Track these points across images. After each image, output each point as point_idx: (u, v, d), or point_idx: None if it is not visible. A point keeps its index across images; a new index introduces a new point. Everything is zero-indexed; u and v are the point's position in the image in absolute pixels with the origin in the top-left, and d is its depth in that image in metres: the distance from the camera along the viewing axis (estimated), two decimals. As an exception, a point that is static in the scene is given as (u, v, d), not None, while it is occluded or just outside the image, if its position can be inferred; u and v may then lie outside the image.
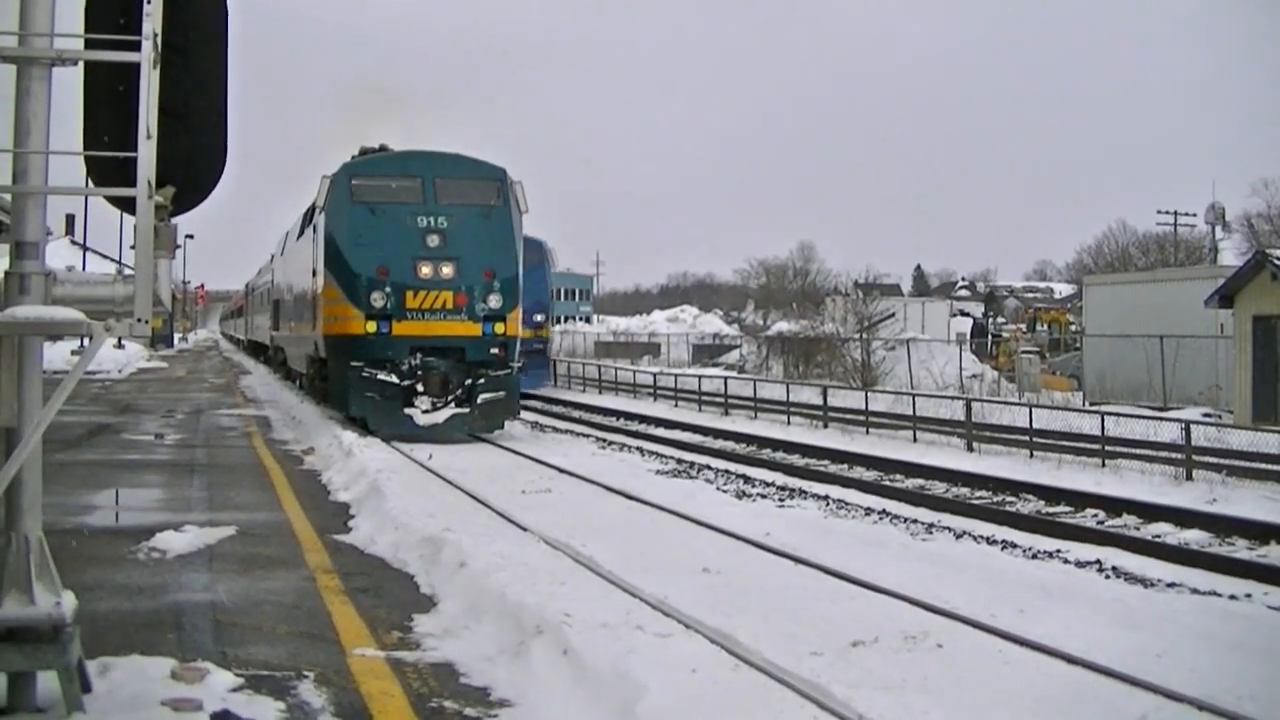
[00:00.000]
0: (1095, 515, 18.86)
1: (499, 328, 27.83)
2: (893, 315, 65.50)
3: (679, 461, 25.72)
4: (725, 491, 21.07)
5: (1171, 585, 13.84)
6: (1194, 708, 8.62)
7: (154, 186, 7.05)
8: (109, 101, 7.36)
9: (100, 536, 14.92)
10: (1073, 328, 67.55)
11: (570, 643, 9.12)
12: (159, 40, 6.99)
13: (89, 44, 7.27)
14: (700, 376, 48.34)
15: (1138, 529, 17.75)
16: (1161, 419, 28.12)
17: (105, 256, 76.16)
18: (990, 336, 70.97)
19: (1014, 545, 16.29)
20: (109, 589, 11.72)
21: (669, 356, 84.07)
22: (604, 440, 30.65)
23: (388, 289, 27.35)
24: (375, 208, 28.22)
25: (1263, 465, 22.20)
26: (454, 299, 27.52)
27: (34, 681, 7.48)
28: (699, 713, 7.85)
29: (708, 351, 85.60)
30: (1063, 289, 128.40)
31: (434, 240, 27.63)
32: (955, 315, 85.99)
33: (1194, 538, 17.02)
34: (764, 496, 20.53)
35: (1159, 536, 17.06)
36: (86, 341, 7.08)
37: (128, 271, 7.34)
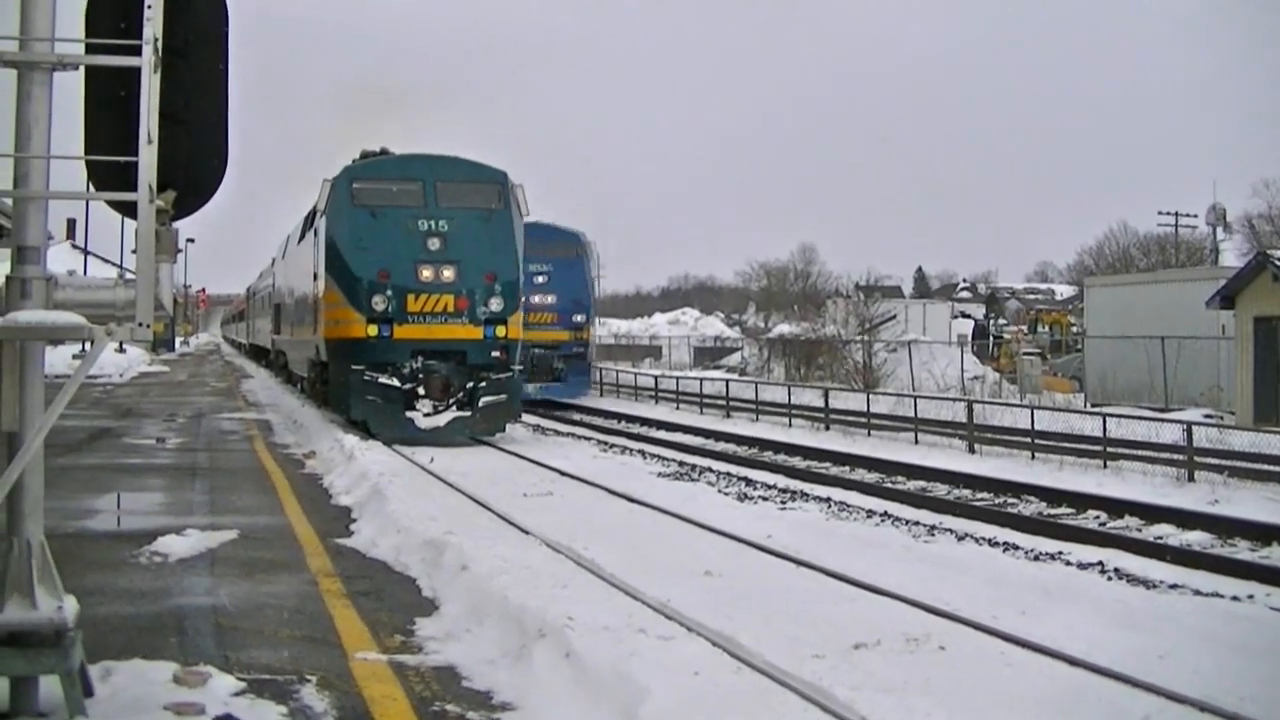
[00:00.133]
0: (1097, 517, 18.85)
1: (500, 331, 27.83)
2: (894, 317, 65.54)
3: (680, 464, 25.72)
4: (727, 494, 21.07)
5: (1174, 587, 13.83)
6: (1196, 709, 8.62)
7: (155, 191, 7.06)
8: (110, 106, 7.37)
9: (102, 541, 14.93)
10: (1074, 329, 67.55)
11: (572, 646, 9.12)
12: (159, 44, 7.00)
13: (90, 48, 7.28)
14: (702, 379, 48.40)
15: (1139, 530, 17.75)
16: (1163, 420, 28.12)
17: (107, 261, 76.19)
18: (991, 338, 70.94)
19: (1016, 547, 16.29)
20: (111, 593, 11.73)
21: (670, 359, 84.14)
22: (605, 443, 30.66)
23: (389, 292, 27.35)
24: (376, 211, 28.24)
25: (1264, 466, 22.20)
26: (455, 302, 27.52)
27: (36, 686, 7.48)
28: (701, 715, 7.85)
29: (709, 354, 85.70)
30: (1064, 290, 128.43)
31: (435, 243, 27.65)
32: (956, 317, 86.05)
33: (1196, 539, 17.02)
34: (765, 499, 20.53)
35: (1161, 538, 17.06)
36: (88, 346, 7.09)
37: (129, 276, 7.35)
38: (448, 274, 27.53)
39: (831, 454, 27.10)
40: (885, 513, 19.04)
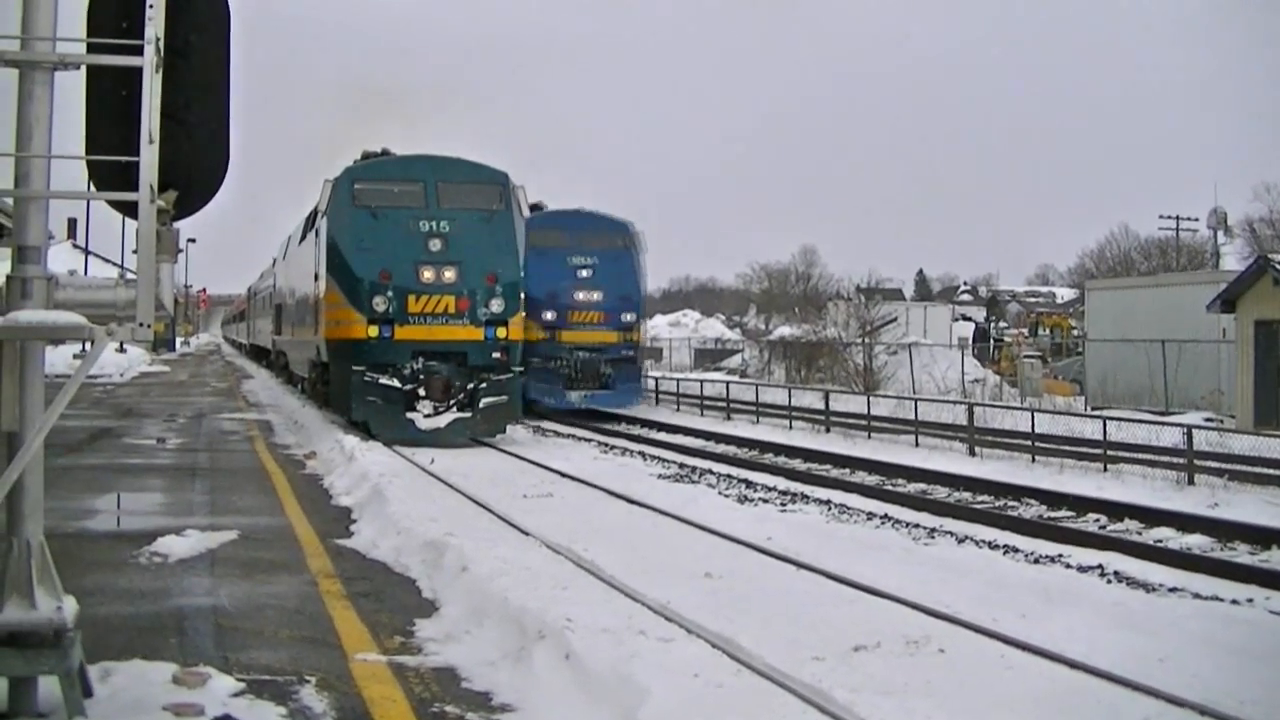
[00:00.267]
0: (1097, 520, 18.84)
1: (501, 332, 27.86)
2: (895, 320, 65.51)
3: (681, 466, 25.72)
4: (727, 496, 21.07)
5: (1173, 590, 13.82)
6: (1196, 712, 8.61)
7: (156, 191, 7.06)
8: (111, 106, 7.37)
9: (102, 541, 14.93)
10: (1075, 332, 67.58)
11: (572, 647, 9.12)
12: (161, 44, 7.00)
13: (91, 48, 7.28)
14: (702, 381, 48.35)
15: (1139, 534, 17.73)
16: (1163, 424, 28.11)
17: (107, 260, 76.25)
18: (992, 341, 70.98)
19: (1016, 550, 16.28)
20: (110, 593, 11.72)
21: (671, 361, 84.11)
22: (606, 444, 30.66)
23: (390, 293, 27.38)
24: (377, 212, 28.29)
25: (1264, 470, 22.19)
26: (456, 303, 27.56)
27: (35, 686, 7.48)
28: (701, 717, 7.85)
29: (710, 356, 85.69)
30: (1065, 293, 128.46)
31: (436, 244, 27.69)
32: (957, 320, 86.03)
33: (1196, 542, 17.01)
34: (766, 501, 20.52)
35: (1161, 541, 17.05)
36: (88, 346, 7.09)
37: (130, 276, 7.35)
38: (449, 275, 27.56)
39: (832, 456, 27.09)
40: (885, 515, 19.03)
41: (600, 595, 11.49)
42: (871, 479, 23.98)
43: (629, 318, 40.66)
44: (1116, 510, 19.03)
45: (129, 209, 7.11)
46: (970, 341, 66.66)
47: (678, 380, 49.95)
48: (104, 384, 51.24)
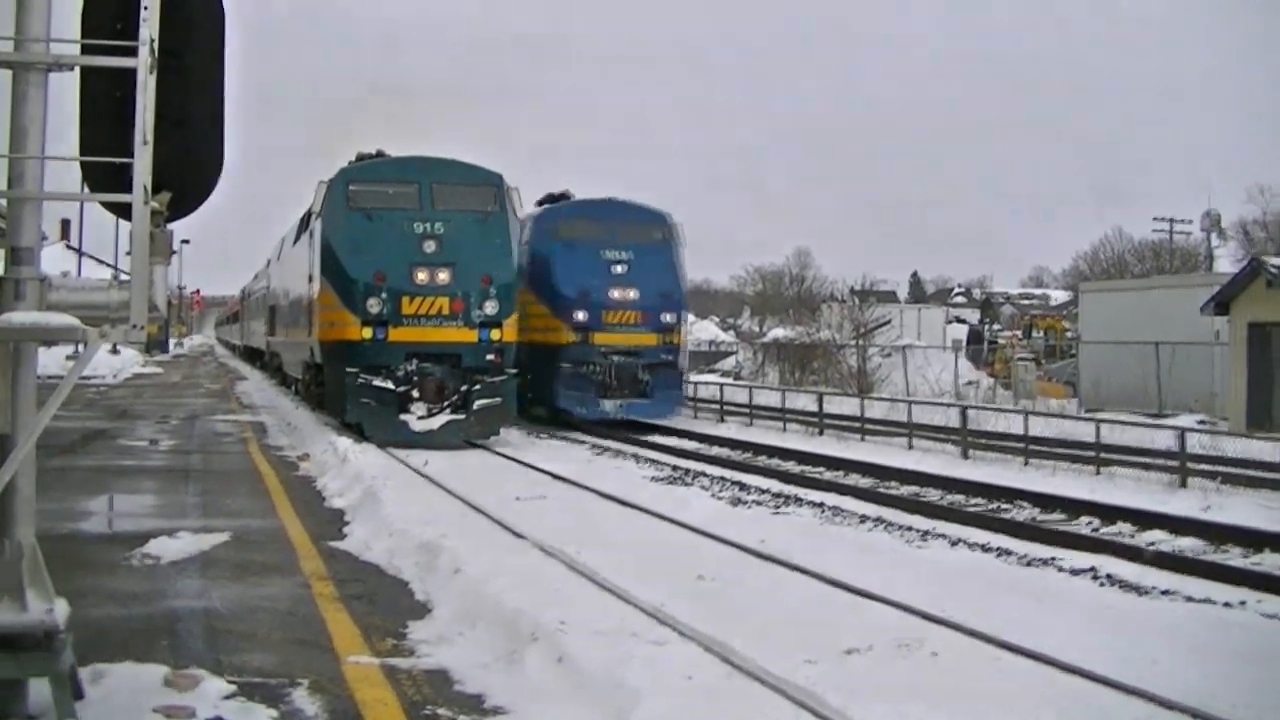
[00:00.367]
0: (1089, 523, 18.82)
1: (495, 334, 27.88)
2: (889, 322, 65.54)
3: (674, 468, 25.69)
4: (720, 498, 21.05)
5: (1165, 593, 13.82)
6: (1188, 715, 8.63)
7: (150, 192, 7.05)
8: (105, 107, 7.35)
9: (94, 543, 14.94)
10: (1069, 334, 67.65)
11: (565, 650, 9.13)
12: (155, 46, 6.99)
13: (85, 49, 7.27)
14: (696, 383, 48.23)
15: (1132, 536, 17.71)
16: (1156, 426, 28.14)
17: (101, 262, 76.12)
18: (986, 343, 71.01)
19: (1009, 552, 16.27)
20: (102, 595, 11.72)
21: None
22: (599, 446, 30.62)
23: (384, 295, 27.39)
24: (372, 213, 28.31)
25: (1257, 473, 22.22)
26: (450, 305, 27.57)
27: (26, 689, 7.47)
28: (693, 720, 7.86)
29: (704, 358, 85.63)
30: (1059, 296, 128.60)
31: (430, 246, 27.70)
32: (951, 322, 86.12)
33: (1188, 545, 17.00)
34: (759, 503, 20.50)
35: (1153, 544, 17.03)
36: (81, 347, 7.08)
37: (123, 277, 7.34)
38: (443, 276, 27.57)
39: (825, 459, 27.06)
40: (879, 518, 19.00)
41: (593, 598, 11.50)
42: (865, 481, 23.96)
43: (669, 318, 36.09)
44: (1109, 513, 19.02)
45: (123, 210, 7.10)
46: (964, 344, 66.64)
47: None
48: (97, 385, 51.19)
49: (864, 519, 18.95)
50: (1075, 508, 19.65)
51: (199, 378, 64.62)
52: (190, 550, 14.08)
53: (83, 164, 7.51)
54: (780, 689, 8.55)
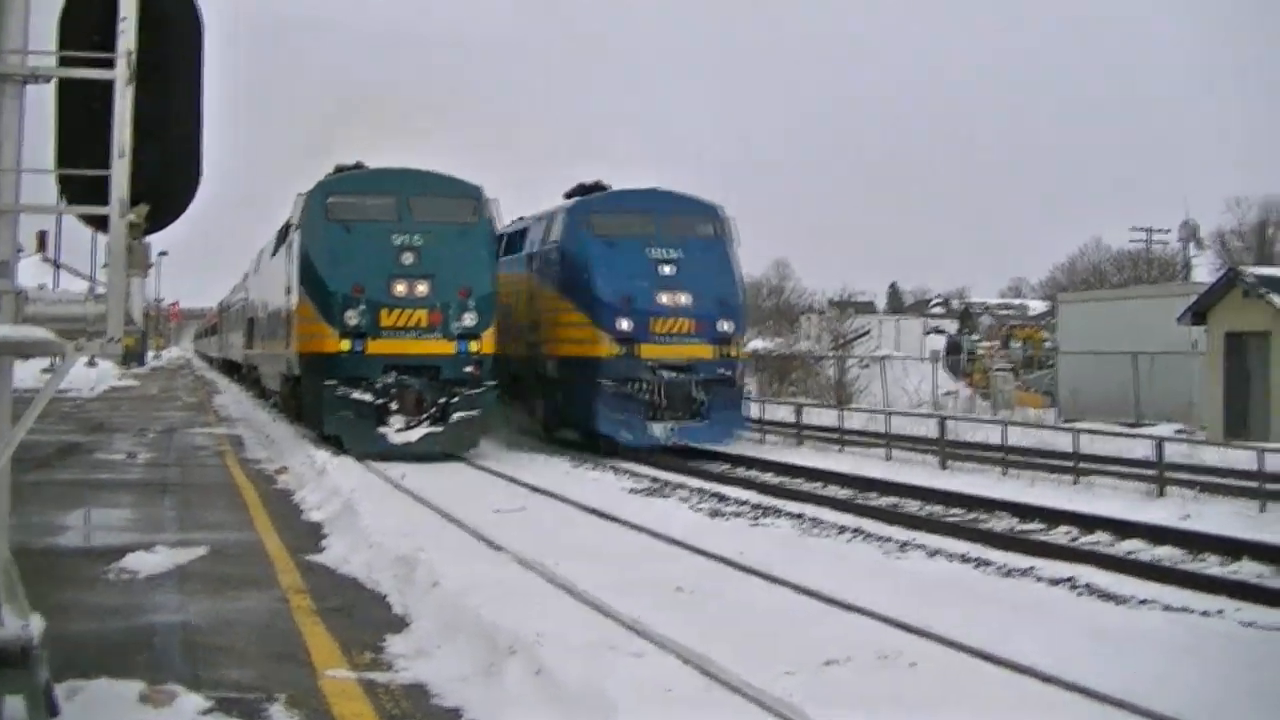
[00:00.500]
0: (1068, 532, 18.87)
1: (474, 346, 27.86)
2: (868, 332, 65.62)
3: (653, 480, 25.67)
4: (699, 510, 21.03)
5: (1144, 602, 13.85)
6: (1166, 725, 8.65)
7: (127, 205, 7.03)
8: (82, 119, 7.32)
9: (71, 557, 14.90)
10: (1047, 345, 67.78)
11: (543, 662, 9.11)
12: (133, 58, 6.97)
13: (62, 61, 7.24)
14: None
15: (1110, 546, 17.77)
16: (1135, 436, 28.20)
17: (78, 274, 75.58)
18: (965, 353, 71.08)
19: (987, 563, 16.29)
20: (79, 610, 11.67)
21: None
22: (578, 458, 30.58)
23: (362, 307, 27.37)
24: (350, 225, 28.29)
25: (1234, 481, 22.27)
26: (429, 317, 27.56)
27: (1, 705, 7.43)
28: (672, 733, 7.85)
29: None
30: (1037, 306, 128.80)
31: (409, 258, 27.70)
32: (930, 332, 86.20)
33: (1166, 554, 17.05)
34: (738, 515, 20.50)
35: (1131, 553, 17.09)
36: (58, 360, 7.05)
37: (100, 290, 7.31)
38: (422, 289, 27.57)
39: (804, 470, 27.07)
40: (857, 529, 19.02)
41: (572, 610, 11.50)
42: (843, 492, 23.98)
43: (726, 327, 30.94)
44: (1087, 523, 19.07)
45: (100, 223, 7.08)
46: (942, 354, 66.72)
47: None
48: (74, 398, 50.98)
49: (843, 530, 18.96)
50: (1054, 517, 19.70)
51: (176, 390, 64.44)
52: (167, 565, 14.03)
53: (60, 176, 7.48)
54: (759, 700, 8.55)
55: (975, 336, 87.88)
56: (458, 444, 28.04)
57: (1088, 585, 14.69)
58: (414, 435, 27.40)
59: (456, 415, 27.68)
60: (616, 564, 14.38)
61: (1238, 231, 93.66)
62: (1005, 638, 10.88)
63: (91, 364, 62.74)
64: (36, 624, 7.28)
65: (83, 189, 7.31)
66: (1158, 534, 17.99)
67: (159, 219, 7.67)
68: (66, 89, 7.40)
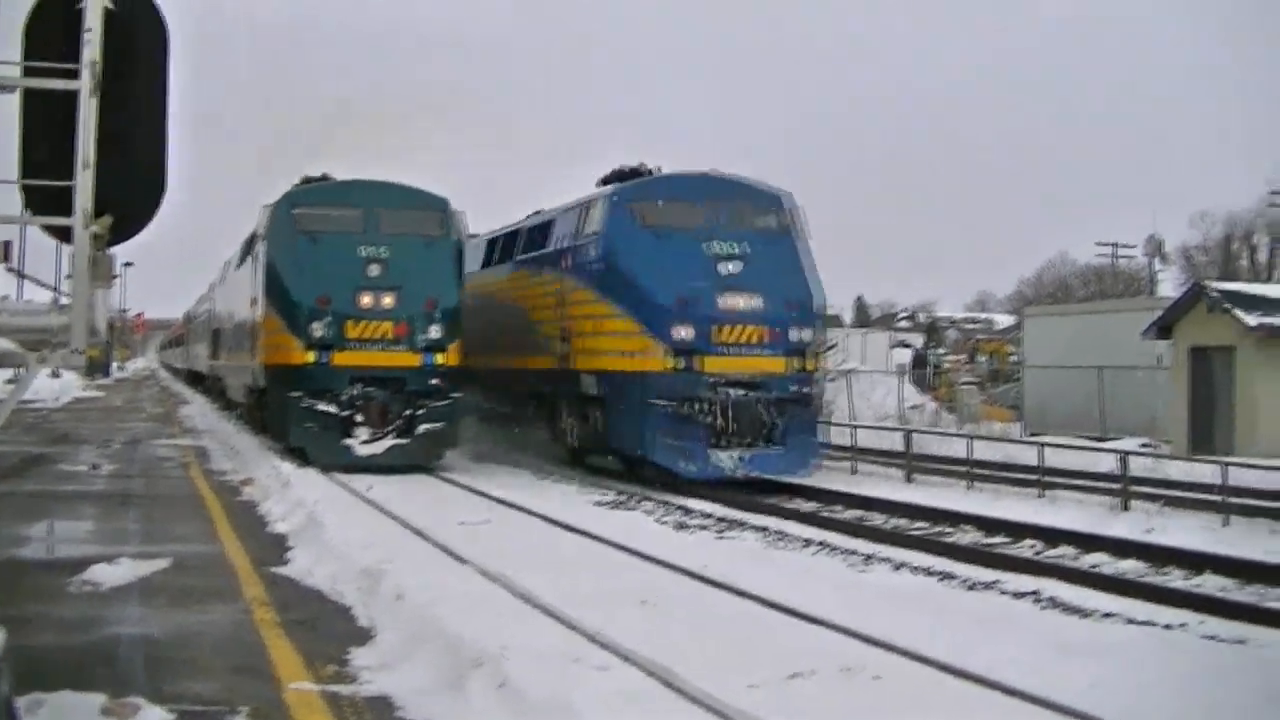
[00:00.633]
0: (1033, 546, 18.92)
1: (440, 358, 27.81)
2: (834, 346, 65.57)
3: (619, 492, 25.63)
4: (664, 523, 21.04)
5: (1108, 615, 13.90)
6: (1129, 738, 8.68)
7: (91, 216, 7.01)
8: (47, 129, 7.30)
9: (33, 569, 14.82)
10: (1013, 358, 68.01)
11: (508, 674, 9.10)
12: (98, 68, 6.95)
13: (26, 71, 7.22)
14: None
15: (1075, 559, 17.83)
16: (1099, 450, 28.31)
17: (42, 285, 75.31)
18: (931, 367, 71.24)
19: (952, 576, 16.33)
20: (41, 622, 11.61)
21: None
22: (543, 471, 30.55)
23: (328, 318, 27.32)
24: (316, 237, 28.25)
25: (1198, 495, 22.39)
26: (395, 329, 27.53)
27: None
28: (636, 745, 7.85)
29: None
30: (1003, 320, 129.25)
31: (375, 270, 27.67)
32: (896, 346, 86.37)
33: (1130, 568, 17.12)
34: (703, 528, 20.51)
35: (1096, 567, 17.16)
36: (21, 371, 7.02)
37: (64, 301, 7.29)
38: (387, 300, 27.53)
39: (769, 483, 27.08)
40: (822, 542, 19.04)
41: (536, 622, 11.49)
42: (808, 505, 24.00)
43: (803, 335, 26.33)
44: (1052, 536, 19.13)
45: (63, 234, 7.06)
46: (908, 367, 66.85)
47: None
48: (38, 410, 50.68)
49: (808, 543, 18.98)
50: (1019, 531, 19.76)
51: (141, 402, 64.16)
52: (130, 576, 13.97)
53: (24, 186, 7.45)
54: (723, 713, 8.56)
55: (941, 350, 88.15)
56: (424, 456, 27.98)
57: (1052, 599, 14.74)
58: (379, 447, 27.37)
59: (422, 427, 27.64)
60: (581, 575, 14.38)
61: (1203, 247, 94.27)
62: (970, 651, 10.91)
63: (55, 375, 62.43)
64: (-2, 636, 7.24)
65: (47, 200, 7.28)
66: (1122, 548, 18.07)
67: (123, 230, 7.64)
68: (30, 99, 7.37)
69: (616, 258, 26.78)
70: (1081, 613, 14.03)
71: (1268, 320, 33.62)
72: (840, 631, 11.61)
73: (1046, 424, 41.84)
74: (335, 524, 17.22)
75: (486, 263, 35.80)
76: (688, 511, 22.46)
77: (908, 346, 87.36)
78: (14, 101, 7.34)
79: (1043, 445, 26.92)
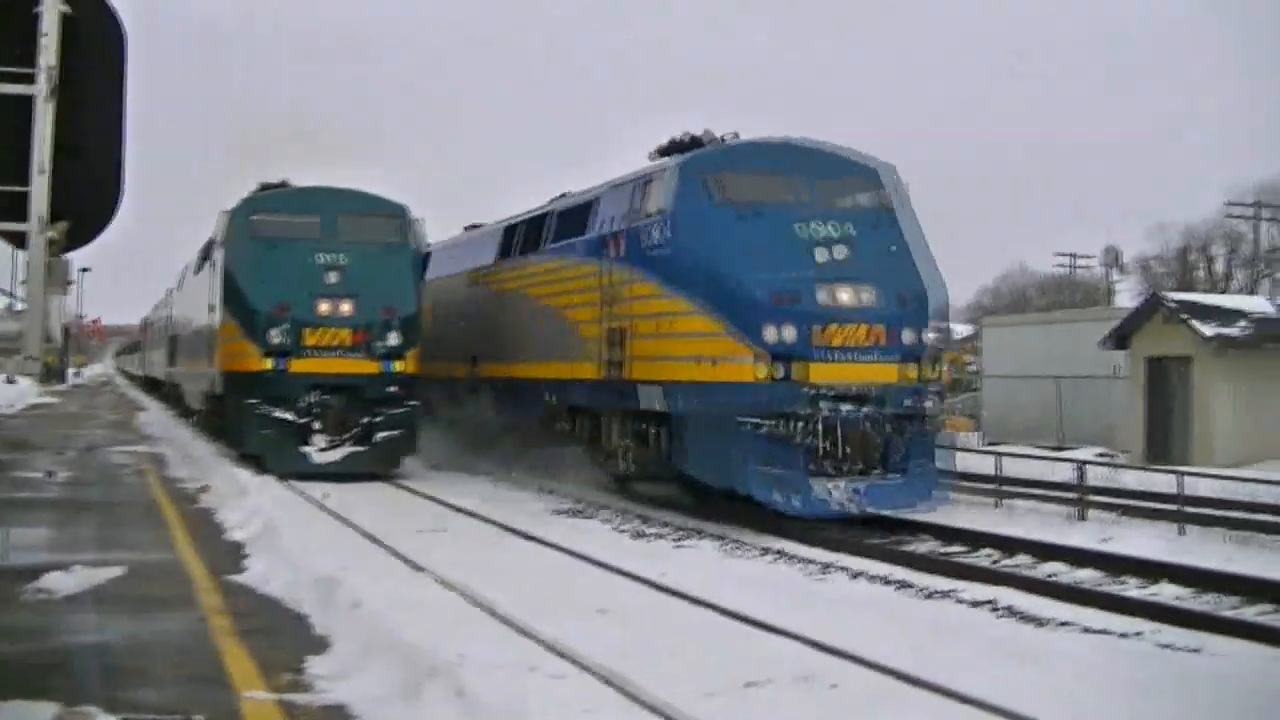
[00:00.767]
0: (990, 555, 18.95)
1: (398, 365, 27.78)
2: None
3: (576, 500, 25.60)
4: (622, 532, 20.99)
5: (1064, 624, 13.94)
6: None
7: (47, 221, 6.98)
8: (1, 134, 7.27)
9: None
10: (971, 368, 68.25)
11: (464, 684, 9.07)
12: (54, 73, 6.93)
13: (-19, 76, 7.19)
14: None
15: (1032, 568, 17.86)
16: (1057, 459, 28.43)
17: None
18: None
19: (908, 585, 16.34)
20: (-7, 631, 11.53)
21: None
22: (501, 478, 30.49)
23: (286, 325, 27.25)
24: (275, 243, 28.20)
25: (1155, 505, 22.52)
26: (353, 336, 27.47)
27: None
28: (592, 754, 7.84)
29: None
30: (961, 329, 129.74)
31: (333, 277, 27.62)
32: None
33: (1087, 577, 17.17)
34: (660, 537, 20.47)
35: (1052, 575, 17.19)
36: (-27, 378, 6.99)
37: (19, 306, 7.26)
38: (346, 308, 27.48)
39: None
40: (780, 551, 19.03)
41: (493, 631, 11.49)
42: (766, 514, 23.99)
43: (923, 338, 21.12)
44: (1009, 545, 19.16)
45: (19, 240, 7.03)
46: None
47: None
48: (-8, 415, 50.40)
49: (765, 552, 18.98)
50: (976, 540, 19.78)
51: (98, 408, 63.74)
52: (85, 584, 13.87)
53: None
54: (679, 722, 8.56)
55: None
56: (382, 464, 27.92)
57: (1009, 607, 14.77)
58: (337, 455, 27.31)
59: (380, 435, 27.60)
60: (539, 585, 14.43)
61: (1160, 257, 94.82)
62: (927, 659, 10.93)
63: (11, 381, 62.08)
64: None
65: (2, 205, 7.25)
66: (1078, 557, 18.12)
67: (79, 236, 7.62)
68: (-14, 103, 7.33)
69: (690, 240, 21.58)
70: (1038, 621, 14.06)
71: (1224, 331, 33.93)
72: (797, 640, 11.63)
73: (1005, 433, 42.04)
74: (292, 532, 17.17)
75: (504, 254, 30.66)
76: (646, 520, 22.24)
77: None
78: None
79: (1000, 454, 27.00)
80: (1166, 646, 12.95)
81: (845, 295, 20.53)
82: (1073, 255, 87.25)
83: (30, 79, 6.89)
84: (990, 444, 38.80)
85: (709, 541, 19.84)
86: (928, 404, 21.20)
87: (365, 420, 27.55)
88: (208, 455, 30.56)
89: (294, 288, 27.45)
